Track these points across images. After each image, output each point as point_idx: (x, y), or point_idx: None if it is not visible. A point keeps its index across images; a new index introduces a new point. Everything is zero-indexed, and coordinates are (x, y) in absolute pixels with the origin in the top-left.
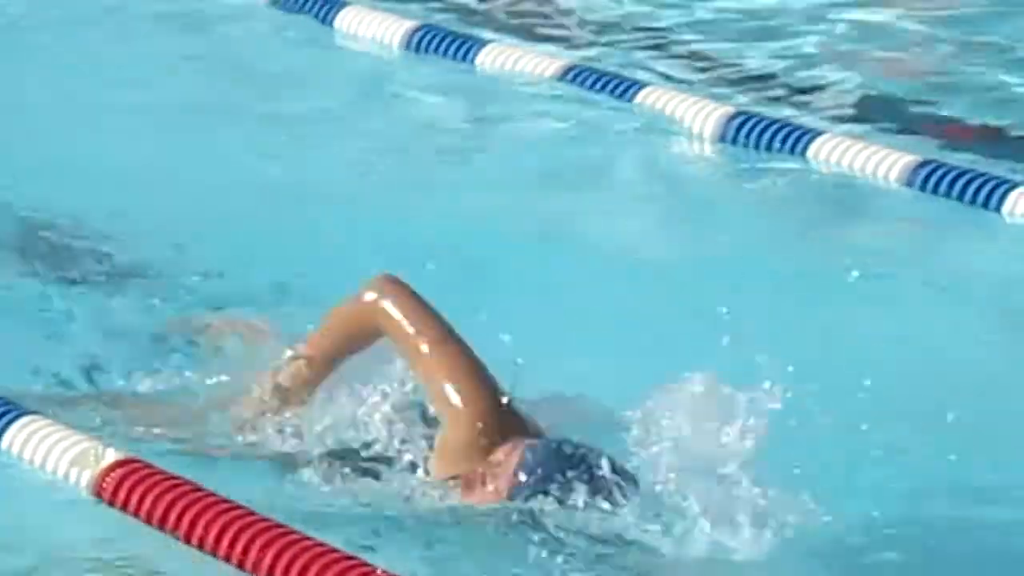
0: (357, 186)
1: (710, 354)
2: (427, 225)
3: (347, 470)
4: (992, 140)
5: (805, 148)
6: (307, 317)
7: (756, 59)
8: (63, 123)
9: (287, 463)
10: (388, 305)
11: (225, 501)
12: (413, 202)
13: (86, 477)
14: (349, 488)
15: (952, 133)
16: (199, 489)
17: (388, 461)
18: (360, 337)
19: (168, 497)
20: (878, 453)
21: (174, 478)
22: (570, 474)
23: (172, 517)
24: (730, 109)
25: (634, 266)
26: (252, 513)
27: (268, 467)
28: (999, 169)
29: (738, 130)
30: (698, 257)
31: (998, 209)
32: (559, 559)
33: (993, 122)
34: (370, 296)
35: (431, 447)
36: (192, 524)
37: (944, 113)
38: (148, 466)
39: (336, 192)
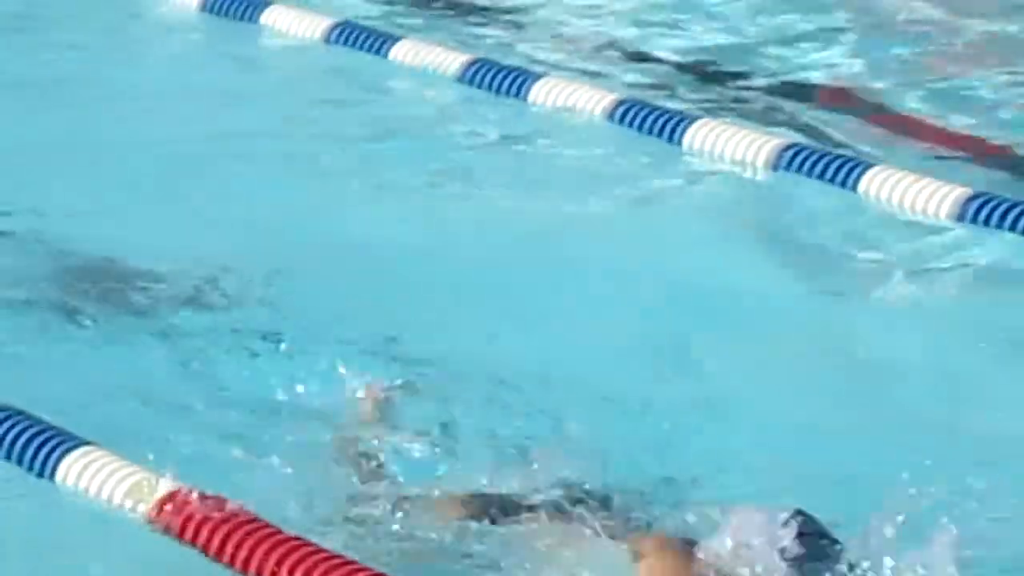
0: (411, 224)
1: (757, 393)
2: (482, 264)
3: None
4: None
5: (857, 180)
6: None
7: (801, 92)
8: (109, 161)
9: (351, 496)
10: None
11: (281, 532)
12: (465, 238)
13: (141, 507)
14: (419, 528)
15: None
16: (255, 520)
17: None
18: None
19: (224, 528)
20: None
21: (232, 509)
22: None
23: (229, 548)
24: (783, 141)
25: (678, 298)
26: (307, 543)
27: (325, 496)
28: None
29: (791, 161)
30: (748, 290)
31: None
32: None
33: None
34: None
35: None
36: (250, 555)
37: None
38: (204, 496)
39: (385, 234)
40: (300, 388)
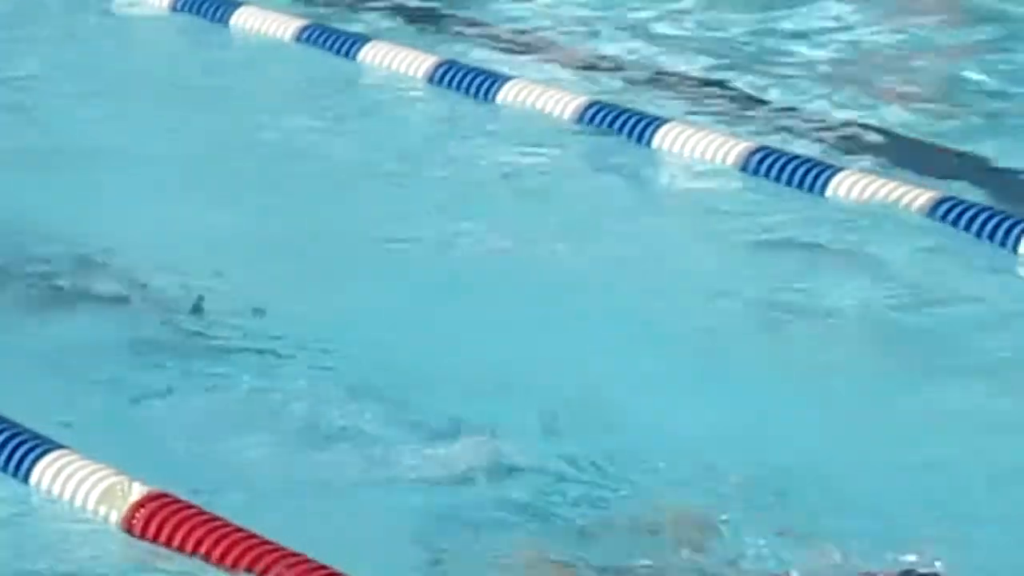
0: (383, 225)
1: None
2: (441, 269)
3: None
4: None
5: (825, 183)
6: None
7: (771, 92)
8: (77, 162)
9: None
10: None
11: (255, 536)
12: (432, 247)
13: (115, 512)
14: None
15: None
16: (229, 524)
17: None
18: None
19: (199, 532)
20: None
21: (204, 512)
22: None
23: (203, 551)
24: (751, 144)
25: (648, 302)
26: (281, 548)
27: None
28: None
29: (759, 164)
30: (721, 294)
31: (1015, 248)
32: None
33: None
34: None
35: None
36: (222, 558)
37: (960, 146)
38: (177, 500)
39: (357, 234)
40: (276, 393)
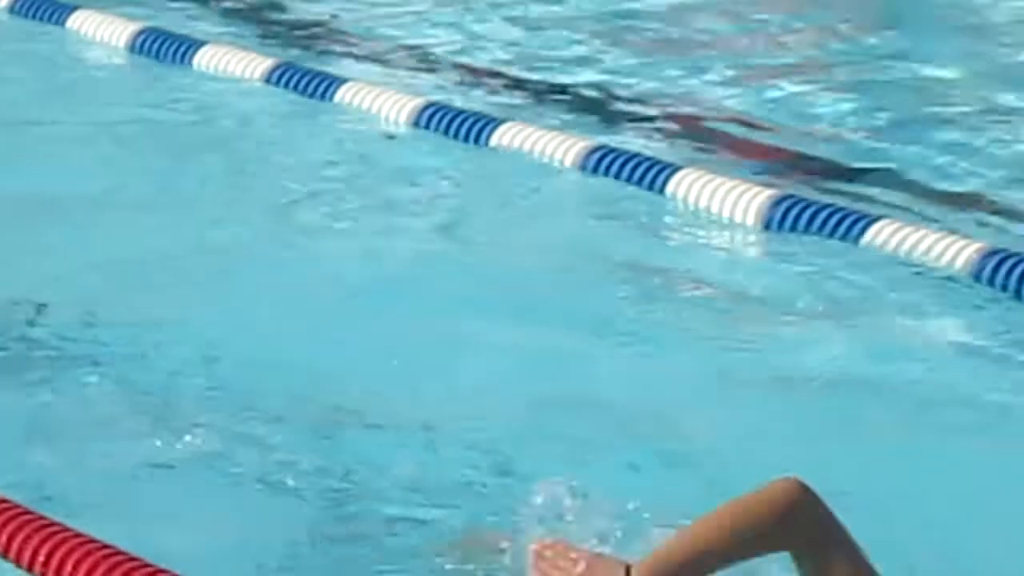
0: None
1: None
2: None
3: None
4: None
5: (665, 183)
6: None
7: (616, 90)
8: None
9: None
10: (804, 516)
11: (93, 540)
12: (281, 249)
13: None
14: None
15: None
16: (69, 529)
17: None
18: (757, 547)
19: (35, 539)
20: None
21: (42, 517)
22: None
23: (41, 559)
24: (592, 143)
25: (483, 299)
26: (124, 553)
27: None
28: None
29: (598, 163)
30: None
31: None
32: None
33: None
34: (782, 502)
35: None
36: (61, 565)
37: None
38: (16, 506)
39: (191, 242)
40: (124, 399)
